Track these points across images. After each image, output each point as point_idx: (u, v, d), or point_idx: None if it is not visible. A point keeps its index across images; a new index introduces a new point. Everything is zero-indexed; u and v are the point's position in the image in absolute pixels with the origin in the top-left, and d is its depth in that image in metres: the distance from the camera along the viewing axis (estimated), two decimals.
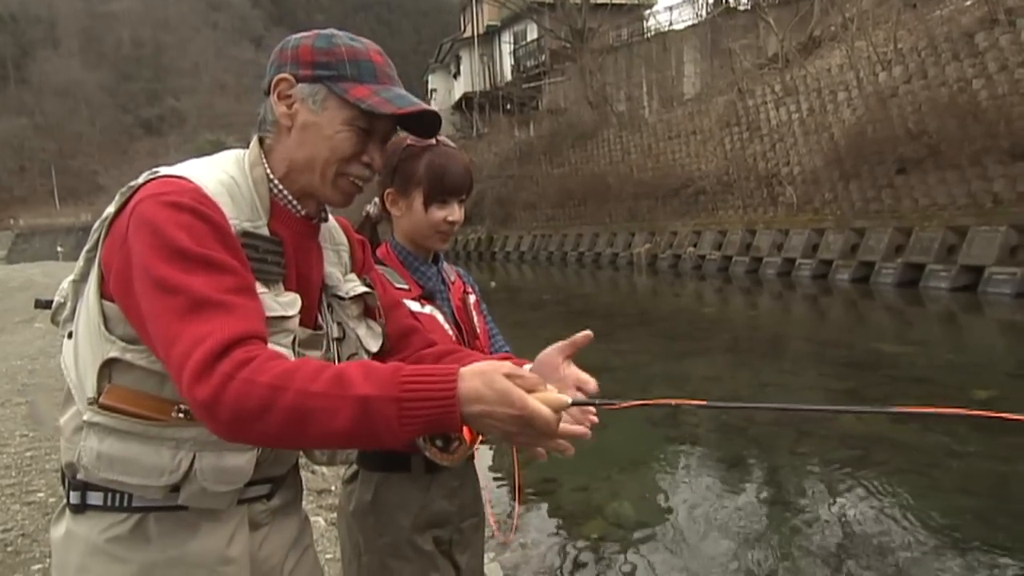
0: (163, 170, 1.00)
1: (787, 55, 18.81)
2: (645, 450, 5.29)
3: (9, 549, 3.10)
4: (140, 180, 0.99)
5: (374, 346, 1.17)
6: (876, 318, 11.17)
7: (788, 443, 5.16)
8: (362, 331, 1.17)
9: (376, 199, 1.55)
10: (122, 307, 0.95)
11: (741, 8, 25.92)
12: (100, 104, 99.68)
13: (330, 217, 1.19)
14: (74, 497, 1.02)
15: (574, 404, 0.86)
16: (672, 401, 1.05)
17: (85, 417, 0.97)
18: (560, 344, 1.15)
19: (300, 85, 1.02)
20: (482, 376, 0.83)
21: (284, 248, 1.04)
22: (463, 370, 0.84)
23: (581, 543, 3.74)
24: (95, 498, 1.00)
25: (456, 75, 40.67)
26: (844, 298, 12.54)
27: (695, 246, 18.13)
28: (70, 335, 1.04)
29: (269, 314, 0.98)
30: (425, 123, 1.09)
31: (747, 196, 18.00)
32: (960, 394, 6.14)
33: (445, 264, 1.61)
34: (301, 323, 1.06)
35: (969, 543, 3.53)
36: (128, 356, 0.95)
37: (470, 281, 1.68)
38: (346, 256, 1.20)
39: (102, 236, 0.99)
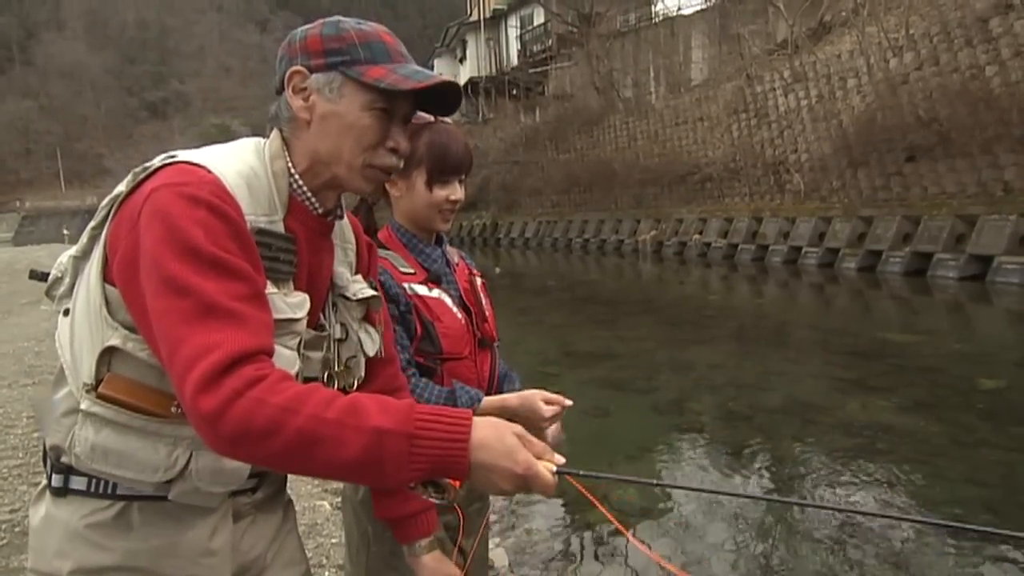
0: (181, 155, 0.96)
1: (796, 41, 18.60)
2: (651, 437, 5.28)
3: (16, 530, 3.12)
4: (156, 163, 0.96)
5: (372, 350, 1.15)
6: (883, 307, 11.12)
7: (793, 432, 5.14)
8: (363, 334, 1.15)
9: None
10: (123, 293, 0.92)
11: None
12: (105, 87, 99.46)
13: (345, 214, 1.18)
14: (56, 480, 0.99)
15: (558, 473, 0.89)
16: (655, 482, 1.18)
17: (83, 406, 0.94)
18: (547, 395, 1.30)
19: (314, 76, 0.99)
20: (495, 428, 0.84)
21: (297, 246, 1.01)
22: (477, 418, 0.84)
23: (586, 530, 3.74)
24: (78, 483, 0.98)
25: (462, 60, 40.40)
26: (851, 287, 12.48)
27: (701, 233, 18.05)
28: (66, 312, 1.00)
29: (277, 316, 0.95)
30: (445, 98, 1.06)
31: (754, 183, 17.89)
32: (967, 384, 6.11)
33: (448, 246, 1.58)
34: (308, 323, 1.04)
35: (973, 534, 3.52)
36: (129, 346, 0.93)
37: (473, 264, 1.65)
38: (352, 255, 1.18)
39: (111, 215, 0.95)
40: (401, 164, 1.09)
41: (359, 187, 1.04)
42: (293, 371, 0.99)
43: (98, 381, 0.93)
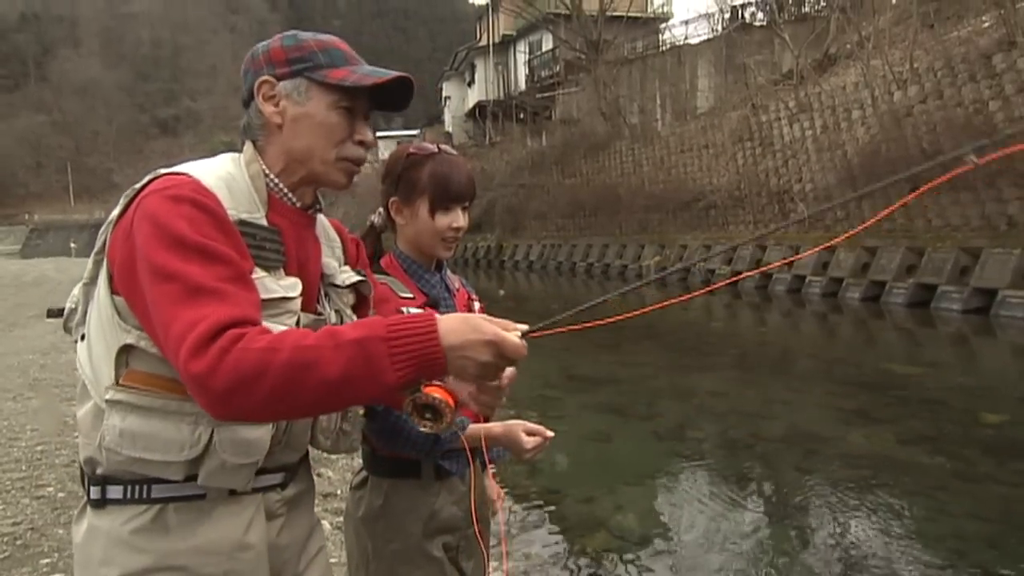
0: (163, 170, 1.04)
1: (802, 72, 18.80)
2: (650, 463, 5.26)
3: (18, 543, 3.11)
4: (143, 182, 1.04)
5: None
6: (886, 338, 11.09)
7: (795, 461, 5.12)
8: (354, 318, 1.22)
9: (380, 209, 1.56)
10: (127, 298, 0.99)
11: (757, 24, 25.92)
12: (118, 103, 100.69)
13: (322, 216, 1.24)
14: (94, 492, 1.04)
15: (525, 336, 0.97)
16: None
17: (107, 396, 1.00)
18: (529, 426, 1.37)
19: (281, 83, 1.08)
20: (457, 316, 0.93)
21: (283, 237, 1.09)
22: (440, 314, 0.92)
23: (584, 555, 3.72)
24: (115, 492, 1.03)
25: (470, 83, 40.85)
26: (854, 317, 12.46)
27: (705, 260, 18.06)
28: (83, 337, 1.07)
29: (271, 296, 1.03)
30: (399, 94, 1.13)
31: (758, 211, 17.95)
32: (970, 418, 6.08)
33: (448, 272, 1.62)
34: (303, 309, 1.11)
35: (978, 569, 3.49)
36: (143, 344, 0.99)
37: (472, 290, 1.69)
38: (339, 251, 1.26)
39: (108, 237, 1.03)
40: (367, 156, 1.15)
41: (335, 180, 1.12)
42: None
43: (118, 378, 1.00)
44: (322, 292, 1.19)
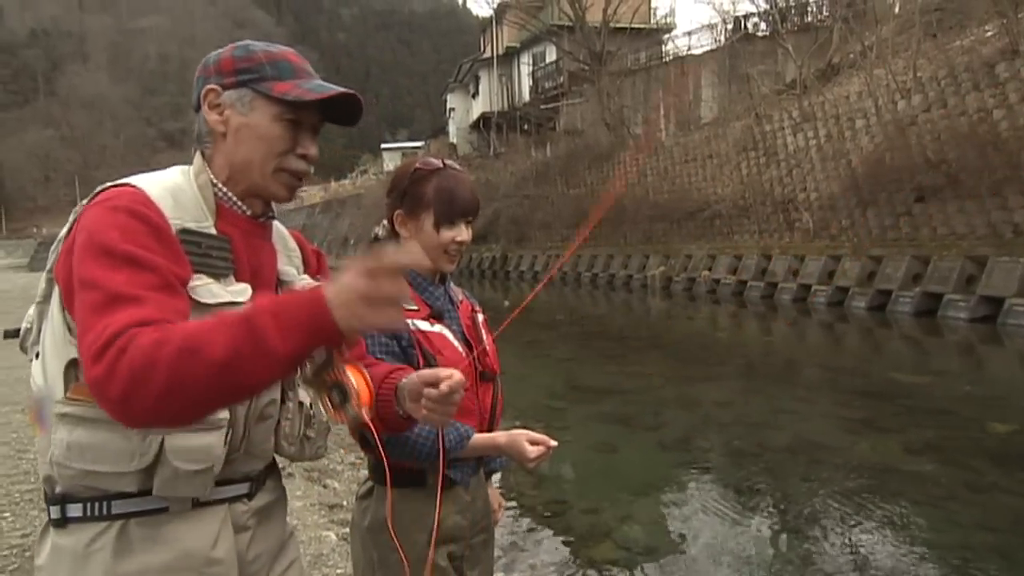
0: (108, 183, 1.04)
1: (805, 81, 18.84)
2: (656, 473, 5.25)
3: (27, 554, 3.13)
4: (89, 196, 1.04)
5: None
6: (893, 347, 11.05)
7: (801, 471, 5.10)
8: None
9: (384, 221, 1.58)
10: (71, 314, 0.97)
11: (760, 34, 26.01)
12: (125, 117, 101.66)
13: (280, 225, 1.25)
14: (54, 511, 1.04)
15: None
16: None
17: (55, 411, 0.99)
18: (533, 436, 1.35)
19: (226, 92, 1.08)
20: (341, 280, 0.84)
21: (233, 245, 1.08)
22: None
23: (590, 566, 3.71)
24: (75, 510, 1.02)
25: (475, 95, 41.06)
26: (860, 326, 12.42)
27: (710, 270, 18.06)
28: (37, 355, 1.06)
29: (216, 300, 1.01)
30: (349, 108, 1.12)
31: (763, 221, 17.95)
32: (978, 427, 6.05)
33: (452, 285, 1.64)
34: None
35: None
36: None
37: (475, 302, 1.70)
38: (298, 260, 1.26)
39: (57, 255, 1.03)
40: (311, 170, 1.14)
41: (275, 192, 1.12)
42: None
43: (66, 393, 0.99)
44: None
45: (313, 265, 1.29)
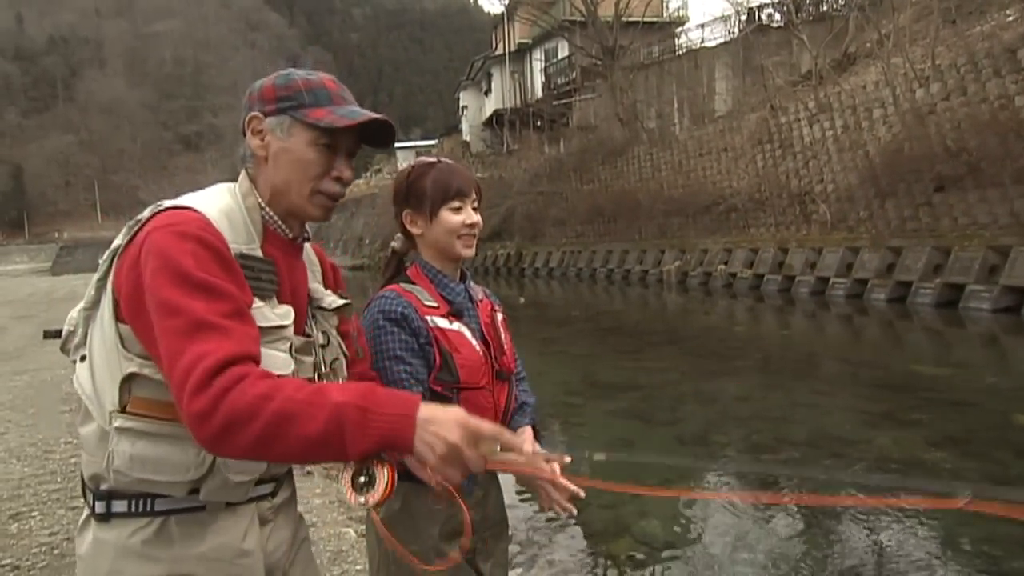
0: (167, 203, 1.11)
1: (821, 72, 18.63)
2: (675, 470, 5.23)
3: (56, 552, 3.20)
4: (146, 214, 1.10)
5: (351, 352, 1.32)
6: (914, 339, 10.92)
7: (821, 465, 5.05)
8: (343, 340, 1.30)
9: (399, 234, 1.61)
10: (134, 328, 1.05)
11: (774, 25, 25.76)
12: (142, 121, 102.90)
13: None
14: (100, 507, 1.10)
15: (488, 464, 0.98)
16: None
17: (116, 424, 1.05)
18: (546, 455, 1.36)
19: (268, 119, 1.16)
20: (440, 407, 0.97)
21: (277, 267, 1.16)
22: (425, 402, 0.96)
23: (608, 561, 3.71)
24: (120, 506, 1.09)
25: (487, 92, 41.06)
26: (880, 318, 12.28)
27: (726, 264, 17.94)
28: (83, 358, 1.13)
29: (267, 324, 1.10)
30: (382, 132, 1.20)
31: (779, 214, 17.79)
32: (1002, 419, 5.96)
33: (472, 283, 1.65)
34: (294, 331, 1.18)
35: (1011, 575, 3.42)
36: (146, 371, 1.05)
37: (496, 300, 1.71)
38: (319, 275, 1.34)
39: (113, 266, 1.09)
40: (345, 191, 1.22)
41: (311, 213, 1.20)
42: (288, 372, 1.12)
43: (123, 405, 1.06)
44: (309, 314, 1.26)
45: (330, 279, 1.36)
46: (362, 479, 0.99)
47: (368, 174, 56.25)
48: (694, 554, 3.78)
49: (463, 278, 1.61)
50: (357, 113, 1.16)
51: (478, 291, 1.66)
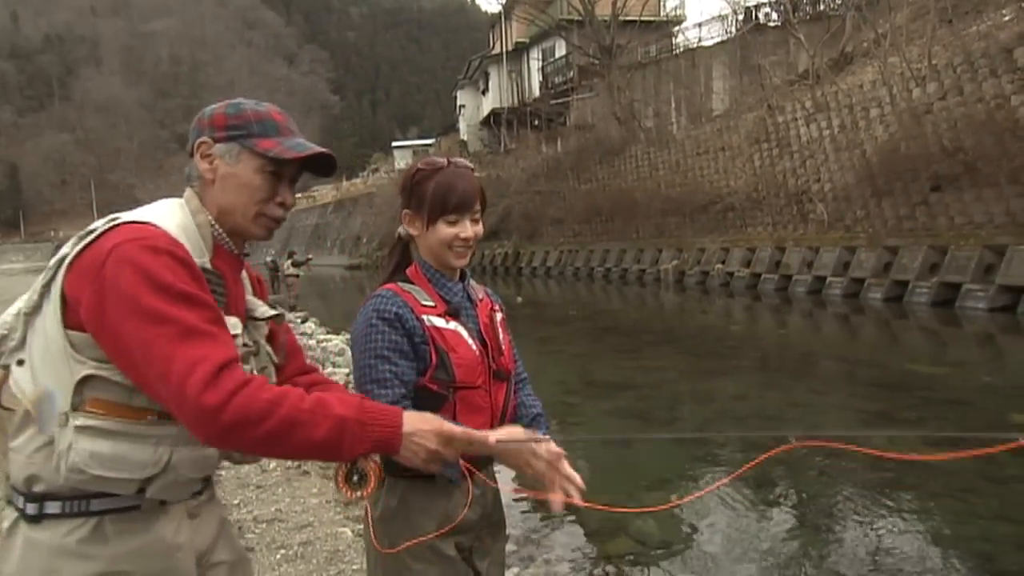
0: (124, 216, 1.16)
1: (818, 71, 18.65)
2: (672, 468, 5.24)
3: None
4: (101, 226, 1.14)
5: (278, 359, 1.39)
6: (910, 338, 10.94)
7: (817, 463, 5.06)
8: (268, 348, 1.37)
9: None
10: (95, 335, 1.08)
11: (771, 25, 25.79)
12: (138, 120, 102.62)
13: None
14: (31, 508, 1.13)
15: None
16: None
17: (77, 423, 1.09)
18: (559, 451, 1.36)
19: (217, 145, 1.24)
20: (419, 414, 1.17)
21: (225, 280, 1.24)
22: (407, 412, 1.16)
23: (605, 561, 3.71)
24: (53, 507, 1.13)
25: (484, 91, 41.04)
26: (877, 317, 12.31)
27: (723, 263, 17.97)
28: (19, 362, 1.15)
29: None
30: (324, 163, 1.30)
31: (776, 213, 17.82)
32: (998, 419, 5.98)
33: (473, 282, 1.64)
34: None
35: (1007, 572, 3.43)
36: (103, 373, 1.10)
37: (497, 300, 1.70)
38: (250, 287, 1.41)
39: (63, 273, 1.11)
40: (287, 215, 1.31)
41: (254, 233, 1.28)
42: None
43: (74, 406, 1.10)
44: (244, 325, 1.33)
45: (258, 290, 1.42)
46: (355, 478, 1.16)
47: (365, 173, 56.18)
48: (690, 552, 3.79)
49: (462, 277, 1.60)
50: (303, 146, 1.26)
51: (479, 290, 1.66)
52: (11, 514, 1.15)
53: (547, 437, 1.32)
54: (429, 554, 1.45)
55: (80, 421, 1.09)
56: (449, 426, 1.14)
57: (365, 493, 1.16)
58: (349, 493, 1.16)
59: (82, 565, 1.11)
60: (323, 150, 1.27)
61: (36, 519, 1.12)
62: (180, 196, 1.28)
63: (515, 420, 1.60)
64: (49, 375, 1.11)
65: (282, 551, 3.11)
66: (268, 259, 22.55)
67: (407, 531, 1.45)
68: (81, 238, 1.13)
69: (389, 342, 1.44)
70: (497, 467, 1.57)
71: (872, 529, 3.97)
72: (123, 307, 1.04)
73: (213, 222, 1.25)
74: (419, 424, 1.13)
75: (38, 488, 1.12)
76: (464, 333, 1.51)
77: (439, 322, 1.48)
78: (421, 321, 1.47)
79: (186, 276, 1.09)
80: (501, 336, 1.60)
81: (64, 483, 1.11)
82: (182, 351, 1.02)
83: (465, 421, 1.42)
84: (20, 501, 1.14)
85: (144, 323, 1.03)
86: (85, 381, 1.09)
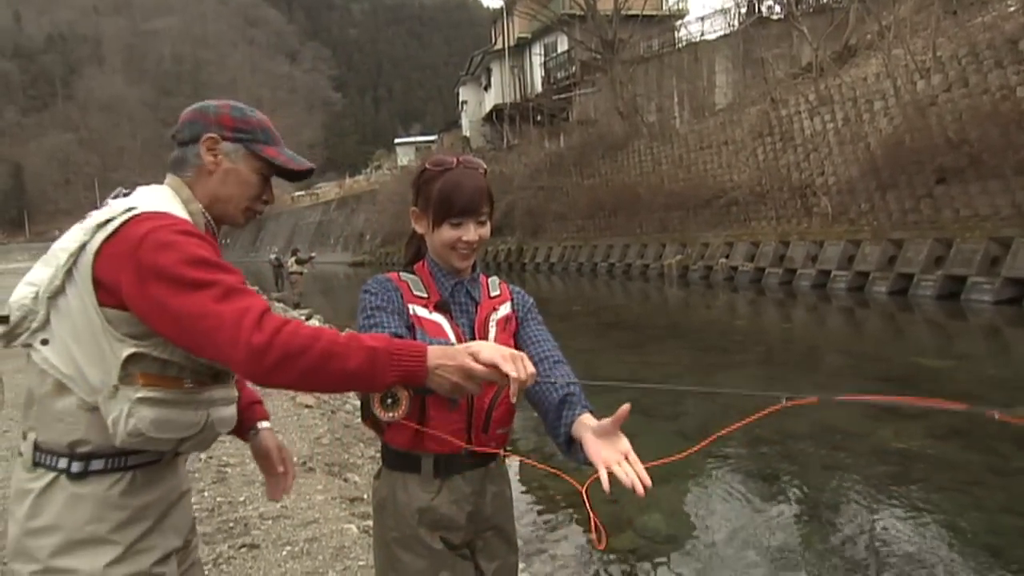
0: (141, 208, 1.27)
1: (821, 64, 18.57)
2: (677, 463, 5.23)
3: None
4: (121, 215, 1.25)
5: None
6: (915, 331, 10.91)
7: (823, 457, 5.06)
8: None
9: None
10: (136, 309, 1.21)
11: (774, 18, 25.68)
12: (141, 119, 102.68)
13: None
14: (76, 467, 1.27)
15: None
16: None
17: (138, 395, 1.24)
18: (610, 420, 1.53)
19: (224, 143, 1.39)
20: (443, 347, 1.26)
21: None
22: (430, 348, 1.26)
23: (612, 555, 3.72)
24: (97, 464, 1.28)
25: (487, 87, 40.98)
26: (882, 311, 12.28)
27: (727, 257, 17.93)
28: (44, 341, 1.27)
29: None
30: (303, 174, 1.49)
31: (780, 207, 17.77)
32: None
33: (494, 281, 1.65)
34: None
35: (1015, 564, 3.42)
36: (142, 349, 1.24)
37: (521, 299, 1.68)
38: None
39: (91, 259, 1.23)
40: (265, 208, 1.50)
41: (238, 222, 1.47)
42: None
43: (121, 380, 1.23)
44: None
45: None
46: (388, 400, 1.26)
47: (368, 170, 56.24)
48: (696, 547, 3.79)
49: (473, 270, 1.60)
50: (300, 159, 1.48)
51: (495, 287, 1.65)
52: (44, 473, 1.27)
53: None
54: (415, 544, 1.47)
55: (140, 393, 1.24)
56: (471, 363, 1.21)
57: (397, 414, 1.25)
58: (383, 413, 1.26)
59: (120, 513, 1.28)
60: (312, 167, 1.52)
61: (81, 476, 1.27)
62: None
63: (540, 405, 1.59)
64: (86, 352, 1.24)
65: (288, 547, 3.12)
66: (272, 256, 22.61)
67: (394, 520, 1.49)
68: (100, 227, 1.25)
69: (382, 300, 1.48)
70: (509, 461, 1.57)
71: (877, 523, 3.96)
72: (166, 285, 1.18)
73: (203, 210, 1.39)
74: (443, 360, 1.22)
75: (83, 449, 1.27)
76: (446, 326, 1.50)
77: (422, 312, 1.50)
78: (407, 308, 1.50)
79: (213, 251, 1.26)
80: (493, 335, 1.56)
81: (120, 445, 1.25)
82: (228, 306, 1.17)
83: (435, 415, 1.44)
84: (61, 462, 1.27)
85: (191, 292, 1.18)
86: (131, 359, 1.23)
